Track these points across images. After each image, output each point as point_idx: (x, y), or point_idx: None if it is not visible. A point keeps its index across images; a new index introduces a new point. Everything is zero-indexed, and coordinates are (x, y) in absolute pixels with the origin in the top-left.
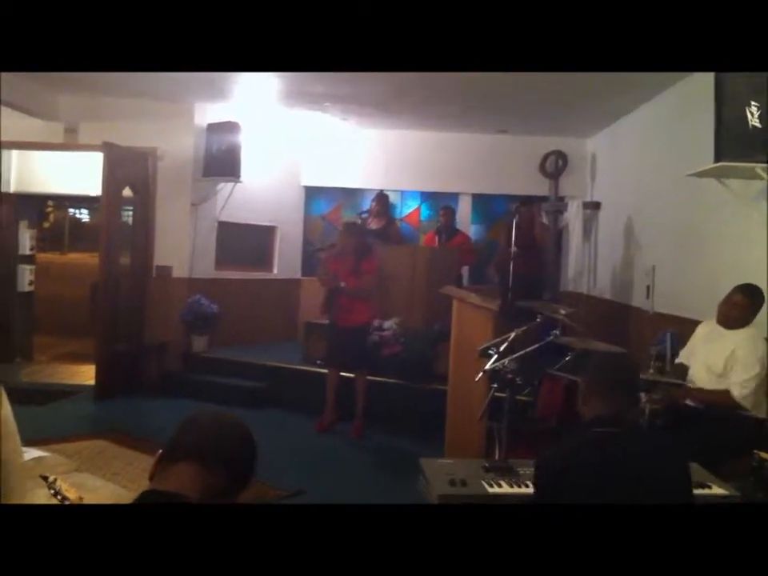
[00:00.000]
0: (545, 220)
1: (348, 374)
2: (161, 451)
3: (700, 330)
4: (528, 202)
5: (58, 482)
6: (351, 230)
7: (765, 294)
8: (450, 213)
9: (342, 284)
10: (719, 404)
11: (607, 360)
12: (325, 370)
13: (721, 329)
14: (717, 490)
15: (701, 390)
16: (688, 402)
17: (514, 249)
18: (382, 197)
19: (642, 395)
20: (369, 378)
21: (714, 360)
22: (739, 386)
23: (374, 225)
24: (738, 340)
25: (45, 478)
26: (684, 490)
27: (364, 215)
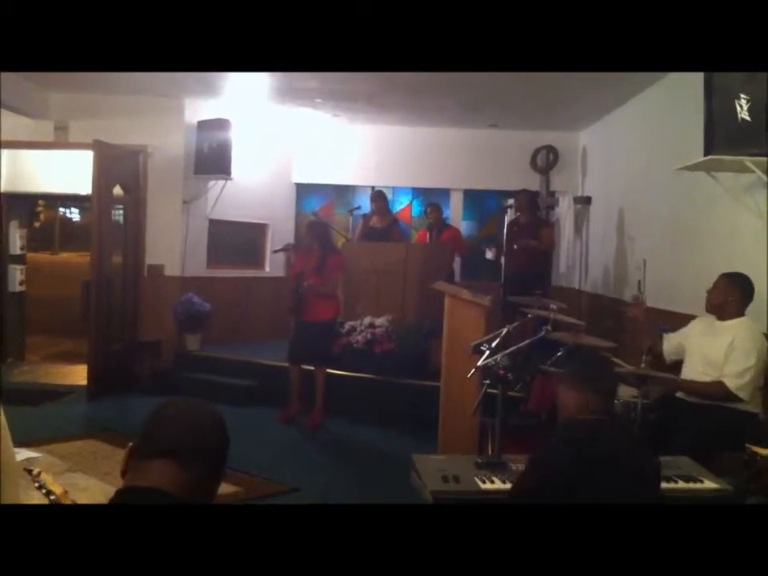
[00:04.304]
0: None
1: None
2: (131, 445)
3: (695, 325)
4: (526, 190)
5: (42, 476)
6: (315, 228)
7: (753, 285)
8: (437, 209)
9: (305, 283)
10: (712, 395)
11: (596, 363)
12: (311, 368)
13: (717, 323)
14: (708, 484)
15: (693, 383)
16: (680, 395)
17: (514, 246)
18: (380, 195)
19: (635, 390)
20: (361, 375)
21: (711, 353)
22: (734, 376)
23: (377, 224)
24: (736, 331)
25: (29, 471)
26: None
27: (356, 212)
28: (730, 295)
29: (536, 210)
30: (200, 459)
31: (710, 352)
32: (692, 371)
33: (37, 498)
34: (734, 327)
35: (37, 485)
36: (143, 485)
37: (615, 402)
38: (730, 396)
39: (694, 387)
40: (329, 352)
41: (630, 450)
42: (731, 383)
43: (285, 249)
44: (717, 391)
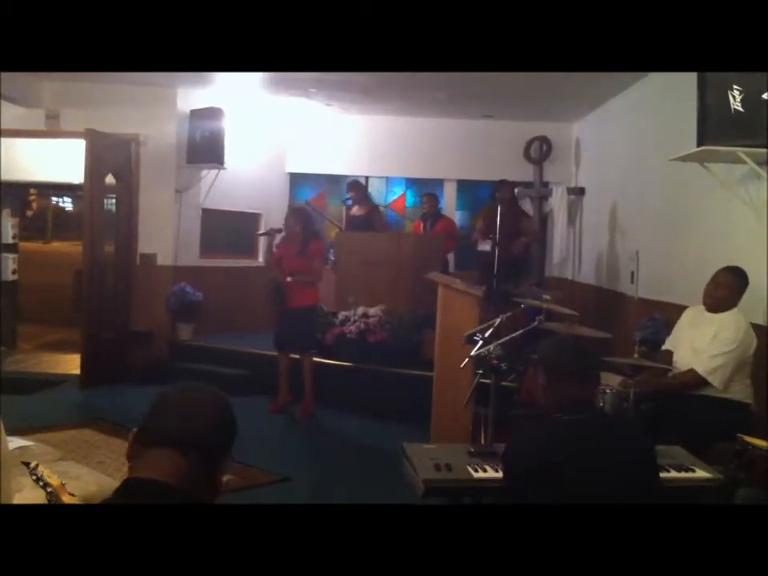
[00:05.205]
0: (528, 207)
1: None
2: (135, 430)
3: (685, 316)
4: (506, 181)
5: (40, 468)
6: (297, 215)
7: (748, 277)
8: (434, 199)
9: (289, 278)
10: (687, 385)
11: (561, 345)
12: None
13: (706, 314)
14: (700, 474)
15: (667, 378)
16: None
17: (497, 235)
18: (354, 184)
19: (628, 380)
20: (354, 365)
21: (697, 343)
22: (707, 359)
23: (357, 212)
24: (723, 321)
25: (26, 464)
26: (651, 472)
27: (349, 202)
28: (735, 291)
29: (515, 200)
30: (201, 449)
31: (697, 342)
32: (682, 361)
33: (29, 486)
34: (723, 318)
35: (34, 477)
36: (144, 476)
37: (603, 390)
38: (702, 382)
39: (667, 383)
40: (311, 338)
41: (604, 437)
42: (701, 366)
43: (269, 233)
44: (689, 378)
